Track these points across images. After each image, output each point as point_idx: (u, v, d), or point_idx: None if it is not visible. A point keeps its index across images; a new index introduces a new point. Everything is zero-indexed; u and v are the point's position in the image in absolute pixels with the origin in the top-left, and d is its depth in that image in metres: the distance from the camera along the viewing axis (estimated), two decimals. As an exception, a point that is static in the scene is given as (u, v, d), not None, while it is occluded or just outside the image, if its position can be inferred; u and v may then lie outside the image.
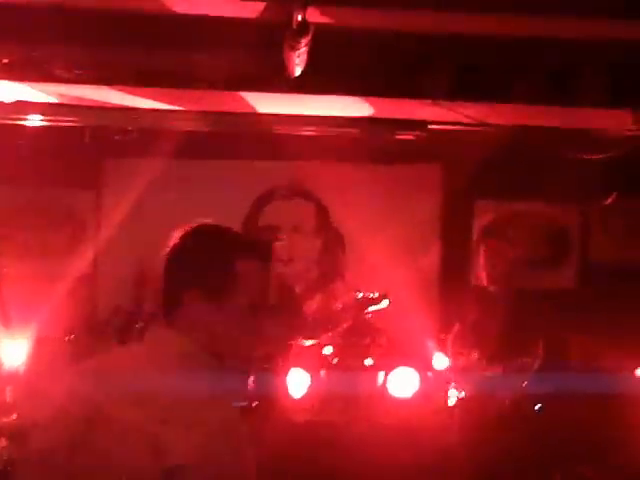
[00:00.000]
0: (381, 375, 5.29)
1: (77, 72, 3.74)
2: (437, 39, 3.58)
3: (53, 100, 4.58)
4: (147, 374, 1.77)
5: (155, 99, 4.48)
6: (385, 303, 5.36)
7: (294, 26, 3.06)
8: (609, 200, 5.15)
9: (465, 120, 4.45)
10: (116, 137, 5.09)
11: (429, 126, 4.79)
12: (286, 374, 5.11)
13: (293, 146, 5.17)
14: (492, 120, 4.56)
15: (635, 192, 5.27)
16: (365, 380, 5.27)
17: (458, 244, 6.21)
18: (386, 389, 5.24)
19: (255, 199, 6.18)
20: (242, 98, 4.35)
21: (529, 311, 4.93)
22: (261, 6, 3.26)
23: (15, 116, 4.73)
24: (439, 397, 5.21)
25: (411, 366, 5.26)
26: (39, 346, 5.40)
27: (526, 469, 4.62)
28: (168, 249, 1.91)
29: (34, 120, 4.78)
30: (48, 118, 4.76)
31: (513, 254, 5.00)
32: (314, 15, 3.11)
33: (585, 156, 4.98)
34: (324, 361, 5.33)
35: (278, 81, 3.71)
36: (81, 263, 5.85)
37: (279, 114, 4.78)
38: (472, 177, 5.85)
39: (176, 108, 4.73)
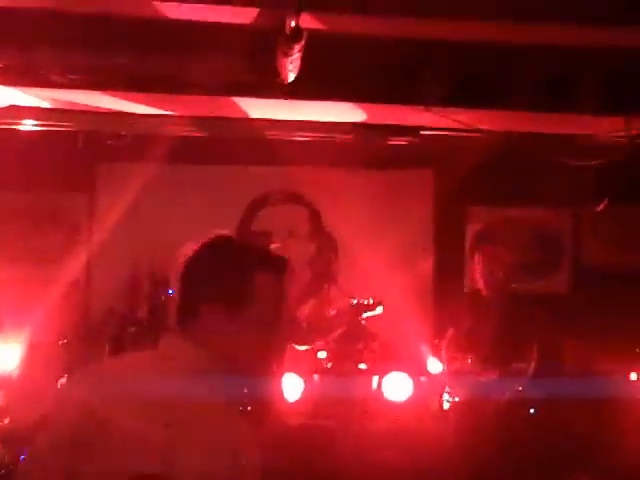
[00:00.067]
0: (375, 380, 5.30)
1: (71, 77, 3.74)
2: (429, 46, 3.60)
3: (47, 105, 4.58)
4: (157, 381, 1.77)
5: (148, 104, 4.49)
6: (379, 310, 5.37)
7: (287, 32, 3.07)
8: (601, 206, 5.17)
9: (457, 126, 4.46)
10: (109, 142, 5.09)
11: (421, 132, 4.80)
12: (280, 378, 5.11)
13: (286, 151, 5.19)
14: (484, 126, 4.58)
15: (626, 197, 5.29)
16: (359, 385, 5.27)
17: (451, 249, 6.22)
18: (380, 394, 5.24)
19: (249, 204, 6.19)
20: (235, 103, 4.36)
21: (522, 316, 4.94)
22: (254, 12, 3.27)
23: (9, 121, 4.74)
24: (433, 402, 5.22)
25: (405, 371, 5.27)
26: (32, 350, 5.39)
27: (521, 473, 4.63)
28: (185, 259, 1.91)
29: (27, 125, 4.79)
30: (41, 123, 4.76)
31: (509, 259, 5.01)
32: (307, 21, 3.12)
33: (577, 162, 4.99)
34: (318, 365, 5.34)
35: (271, 87, 3.72)
36: (74, 267, 5.85)
37: (272, 119, 4.78)
38: (464, 183, 5.87)
39: (169, 113, 4.73)
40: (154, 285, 5.86)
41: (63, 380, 5.08)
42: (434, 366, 5.42)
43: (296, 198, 6.22)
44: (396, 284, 5.62)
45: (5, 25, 3.46)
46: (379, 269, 5.58)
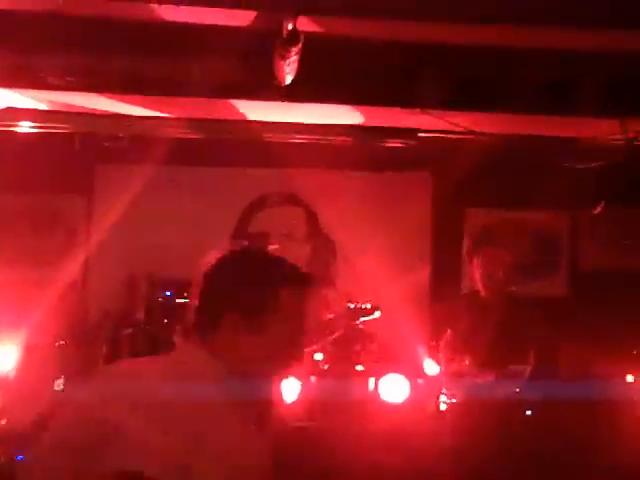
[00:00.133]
0: (372, 381, 5.29)
1: (68, 79, 3.74)
2: (427, 48, 3.60)
3: (44, 107, 4.58)
4: (168, 386, 1.75)
5: (146, 106, 4.49)
6: (377, 314, 5.37)
7: (284, 35, 3.08)
8: (598, 208, 5.17)
9: (455, 128, 4.46)
10: (106, 144, 5.08)
11: (419, 134, 4.80)
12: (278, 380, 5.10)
13: (283, 154, 5.18)
14: (481, 128, 4.58)
15: (624, 200, 5.29)
16: (356, 386, 5.27)
17: (449, 251, 6.23)
18: (377, 395, 5.24)
19: (246, 206, 6.19)
20: (232, 106, 4.36)
21: (520, 318, 4.94)
22: (252, 15, 3.27)
23: (6, 123, 4.73)
24: (430, 403, 5.22)
25: (402, 372, 5.27)
26: (29, 352, 5.39)
27: (517, 475, 4.63)
28: (209, 267, 1.89)
29: (25, 127, 4.78)
30: (39, 125, 4.76)
31: (509, 261, 5.01)
32: (304, 24, 3.12)
33: (574, 164, 5.00)
34: (315, 367, 5.33)
35: (268, 89, 3.72)
36: (71, 269, 5.85)
37: (270, 122, 4.79)
38: (462, 185, 5.88)
39: (167, 115, 4.73)
40: (151, 287, 5.86)
41: (59, 381, 5.10)
42: (431, 367, 5.42)
43: (293, 200, 6.22)
44: (393, 286, 5.62)
45: (2, 27, 3.46)
46: (376, 271, 5.58)
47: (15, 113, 4.63)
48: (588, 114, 3.97)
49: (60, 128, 4.83)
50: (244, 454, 1.78)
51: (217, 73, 3.73)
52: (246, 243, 5.59)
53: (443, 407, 5.10)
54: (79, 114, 4.66)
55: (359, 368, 5.43)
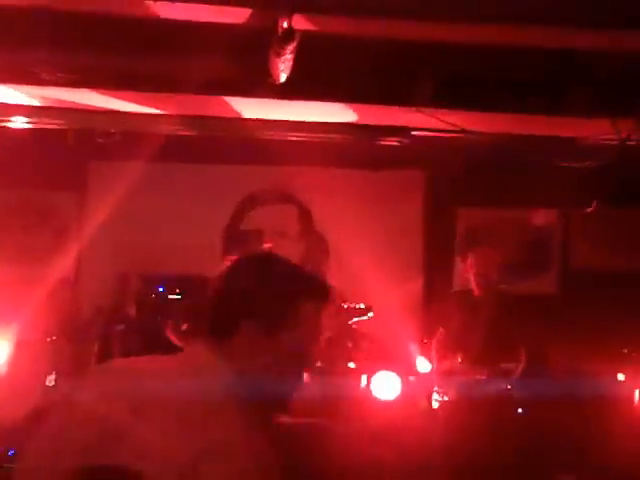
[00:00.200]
0: (364, 379, 5.31)
1: (61, 75, 3.72)
2: (421, 47, 3.60)
3: (37, 103, 4.56)
4: (177, 387, 1.72)
5: (139, 103, 4.48)
6: (370, 315, 5.39)
7: (279, 33, 3.07)
8: (591, 207, 5.19)
9: (448, 127, 4.47)
10: (100, 140, 5.07)
11: (412, 132, 4.80)
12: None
13: (277, 151, 5.18)
14: (475, 127, 4.59)
15: (616, 199, 5.30)
16: (348, 383, 5.28)
17: (441, 250, 6.24)
18: (369, 392, 5.25)
19: (238, 203, 6.18)
20: (227, 103, 4.35)
21: (511, 316, 4.96)
22: (247, 12, 3.27)
23: (-2, 118, 4.72)
24: (422, 401, 5.24)
25: (394, 370, 5.28)
26: (20, 348, 5.38)
27: (509, 472, 4.65)
28: (227, 270, 1.87)
29: (17, 122, 4.76)
30: (32, 120, 4.74)
31: (501, 260, 5.03)
32: (300, 22, 3.13)
33: (567, 164, 5.02)
34: (307, 365, 5.33)
35: (263, 86, 3.72)
36: (63, 265, 5.83)
37: (263, 119, 4.78)
38: (455, 183, 5.89)
39: (160, 112, 4.72)
40: (143, 283, 5.86)
41: (51, 377, 5.09)
42: (423, 365, 5.44)
43: (286, 198, 6.22)
44: (386, 284, 5.63)
45: (-5, 23, 3.45)
46: (369, 269, 5.59)
47: (8, 109, 4.62)
48: (582, 114, 3.98)
49: (53, 124, 4.81)
50: (249, 455, 1.77)
51: (212, 70, 3.72)
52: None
53: (435, 405, 5.11)
54: (72, 110, 4.64)
55: (351, 365, 5.44)
